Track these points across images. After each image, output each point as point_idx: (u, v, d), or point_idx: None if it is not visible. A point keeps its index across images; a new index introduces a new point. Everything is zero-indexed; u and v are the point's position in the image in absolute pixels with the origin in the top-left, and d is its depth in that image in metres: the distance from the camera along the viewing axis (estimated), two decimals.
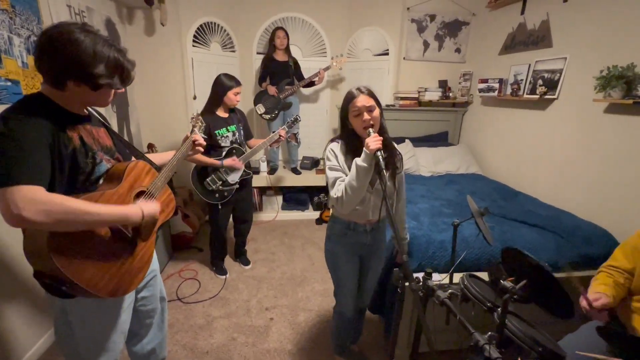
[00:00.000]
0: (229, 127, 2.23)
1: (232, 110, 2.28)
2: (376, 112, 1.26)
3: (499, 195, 2.43)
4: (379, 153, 1.13)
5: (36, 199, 0.74)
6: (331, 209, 1.47)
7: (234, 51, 3.53)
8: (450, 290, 1.25)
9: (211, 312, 2.12)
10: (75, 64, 0.84)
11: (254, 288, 2.40)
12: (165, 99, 3.08)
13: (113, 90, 0.97)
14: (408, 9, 3.26)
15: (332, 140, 1.40)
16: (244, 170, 2.32)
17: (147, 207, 0.96)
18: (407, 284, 1.12)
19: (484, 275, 1.41)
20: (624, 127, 1.91)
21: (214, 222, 2.40)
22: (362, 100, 1.23)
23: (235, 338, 1.92)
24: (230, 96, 2.16)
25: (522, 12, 2.71)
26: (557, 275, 1.65)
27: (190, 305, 2.19)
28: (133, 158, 1.20)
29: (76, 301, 0.98)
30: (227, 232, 2.56)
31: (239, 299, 2.27)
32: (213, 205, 2.29)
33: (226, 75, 2.18)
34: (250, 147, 2.34)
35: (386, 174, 1.24)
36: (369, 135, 1.19)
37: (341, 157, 1.33)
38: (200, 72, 3.17)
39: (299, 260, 2.80)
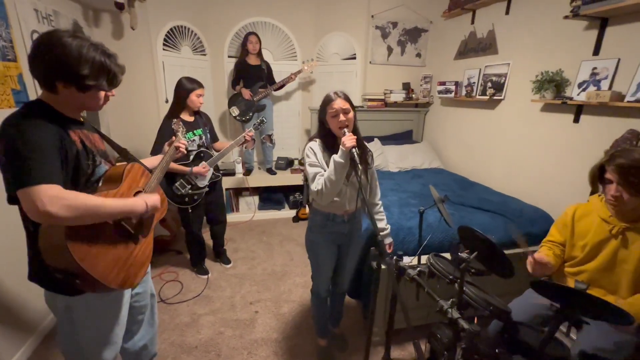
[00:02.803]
0: (195, 131, 2.24)
1: (196, 113, 2.29)
2: (351, 114, 1.42)
3: (458, 186, 2.71)
4: (354, 150, 1.29)
5: (58, 195, 0.81)
6: (312, 202, 1.60)
7: (204, 54, 3.56)
8: (419, 268, 1.45)
9: (196, 310, 2.18)
10: (62, 64, 0.90)
11: (237, 285, 2.48)
12: (136, 103, 3.04)
13: (103, 94, 1.02)
14: (372, 16, 3.48)
15: (310, 139, 1.55)
16: (213, 173, 2.36)
17: (150, 199, 1.05)
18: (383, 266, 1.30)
19: (448, 256, 1.62)
20: (555, 123, 2.25)
21: (186, 225, 2.43)
22: (339, 103, 1.39)
23: (222, 332, 1.99)
24: (193, 98, 2.16)
25: (472, 22, 3.03)
26: (508, 251, 1.91)
27: (175, 305, 2.22)
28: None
29: (81, 297, 1.03)
30: (204, 233, 2.60)
31: (223, 296, 2.34)
32: (183, 209, 2.33)
33: (187, 78, 2.18)
34: (216, 150, 2.37)
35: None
36: (344, 134, 1.35)
37: (319, 154, 1.48)
38: (172, 75, 3.16)
39: (278, 256, 2.91)
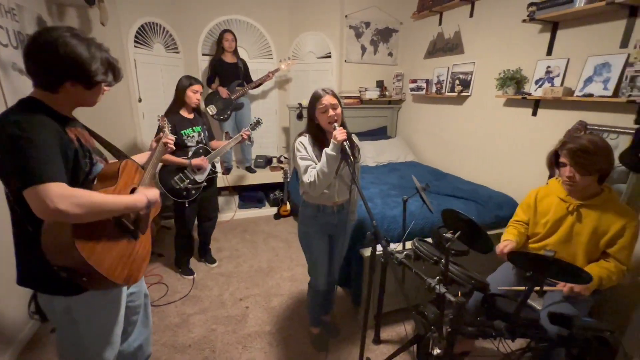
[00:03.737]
0: (194, 128, 2.29)
1: (195, 111, 2.33)
2: (339, 109, 1.50)
3: (432, 177, 2.90)
4: (345, 143, 1.37)
5: (66, 193, 0.81)
6: (303, 195, 1.66)
7: (177, 52, 3.48)
8: (405, 252, 1.57)
9: (185, 311, 2.16)
10: (75, 65, 0.90)
11: (224, 283, 2.47)
12: (108, 102, 2.90)
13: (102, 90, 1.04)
14: (346, 16, 3.59)
15: (300, 134, 1.61)
16: (211, 169, 2.39)
17: (149, 193, 1.07)
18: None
19: (430, 240, 1.76)
20: (516, 117, 2.48)
21: (180, 220, 2.41)
22: (328, 99, 1.46)
23: (214, 329, 2.00)
24: (189, 94, 2.21)
25: (440, 24, 3.23)
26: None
27: (162, 307, 2.18)
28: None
29: (80, 297, 1.02)
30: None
31: (211, 295, 2.34)
32: (180, 204, 2.31)
33: (187, 75, 2.25)
34: (213, 149, 2.41)
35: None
36: (334, 129, 1.43)
37: (309, 148, 1.55)
38: (144, 73, 3.07)
39: (263, 253, 2.94)
